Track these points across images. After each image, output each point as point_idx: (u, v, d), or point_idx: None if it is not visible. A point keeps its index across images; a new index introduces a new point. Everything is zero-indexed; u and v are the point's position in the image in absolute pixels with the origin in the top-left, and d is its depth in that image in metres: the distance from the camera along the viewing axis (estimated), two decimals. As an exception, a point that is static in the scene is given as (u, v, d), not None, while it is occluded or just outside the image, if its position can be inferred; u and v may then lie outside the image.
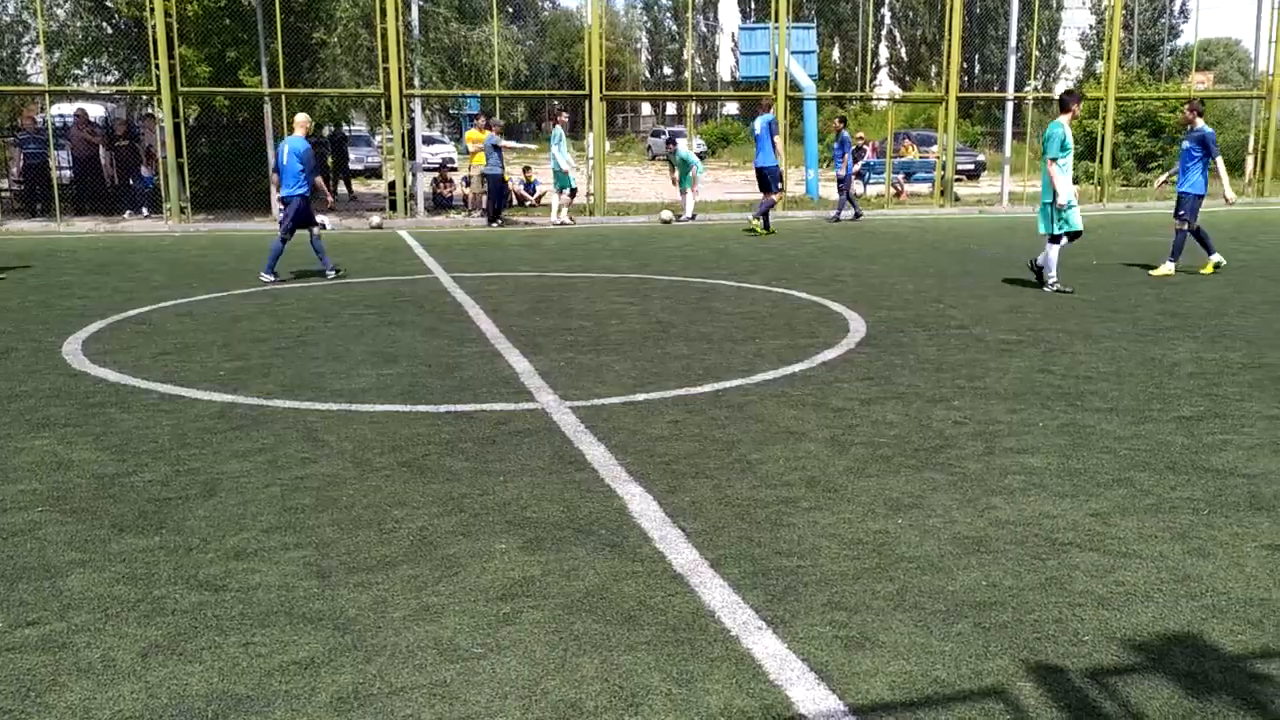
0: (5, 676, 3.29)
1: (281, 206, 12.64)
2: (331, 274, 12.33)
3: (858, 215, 20.24)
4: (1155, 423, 6.07)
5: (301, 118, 12.45)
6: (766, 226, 17.48)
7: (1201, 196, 12.08)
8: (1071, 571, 4.06)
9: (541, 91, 41.89)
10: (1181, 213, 12.05)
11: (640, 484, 5.10)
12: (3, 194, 21.56)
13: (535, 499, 4.91)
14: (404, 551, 4.30)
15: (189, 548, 4.33)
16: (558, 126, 19.59)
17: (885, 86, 55.89)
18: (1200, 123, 12.17)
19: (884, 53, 58.26)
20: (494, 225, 19.16)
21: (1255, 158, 25.62)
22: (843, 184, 20.05)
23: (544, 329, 9.09)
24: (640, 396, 6.77)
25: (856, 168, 20.32)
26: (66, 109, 22.34)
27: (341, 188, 25.77)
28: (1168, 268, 12.10)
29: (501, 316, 9.69)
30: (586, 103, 20.89)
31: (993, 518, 4.63)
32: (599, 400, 6.68)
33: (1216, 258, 12.26)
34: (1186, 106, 12.61)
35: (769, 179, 17.66)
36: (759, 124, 17.89)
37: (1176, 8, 52.47)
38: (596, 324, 9.33)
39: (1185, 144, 12.24)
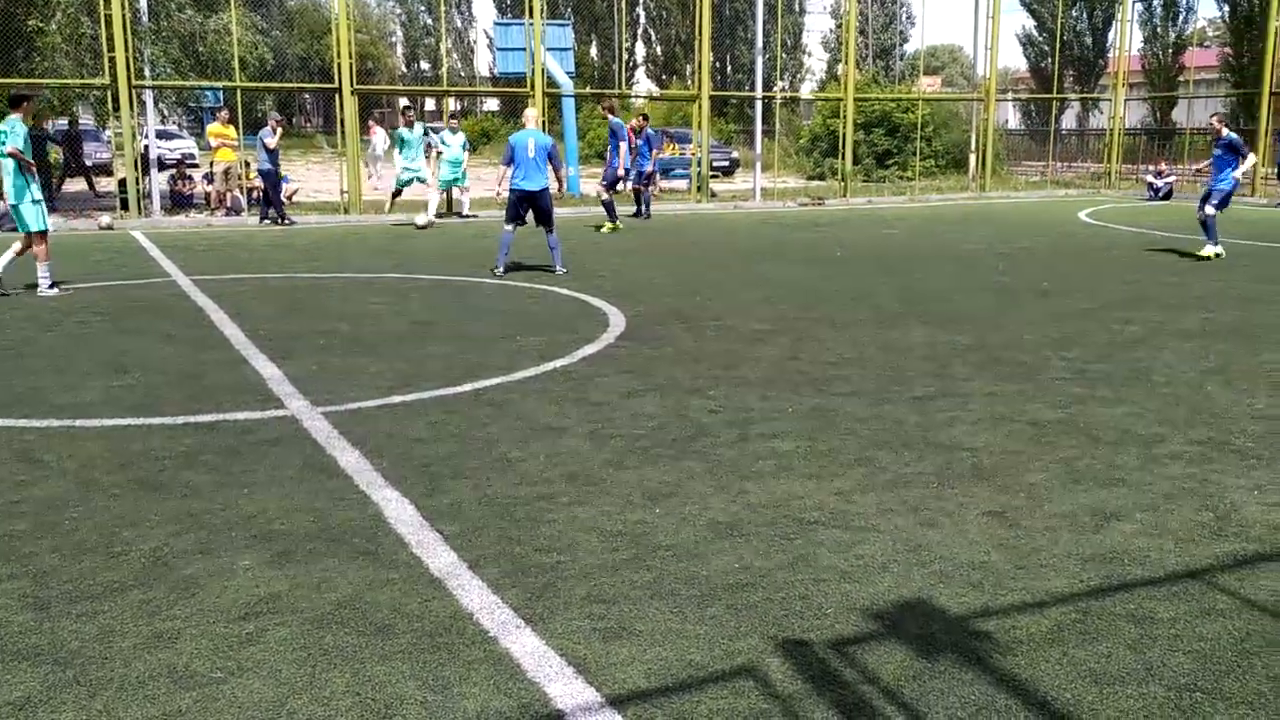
0: None
1: None
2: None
3: (639, 214, 20.03)
4: (893, 404, 6.45)
5: None
6: (613, 219, 17.64)
7: (1233, 191, 13.89)
8: (817, 549, 4.24)
9: (289, 85, 40.15)
10: (1213, 202, 13.69)
11: (397, 488, 4.96)
12: None
13: (283, 510, 4.68)
14: (135, 575, 3.99)
15: (-122, 588, 3.86)
16: (404, 127, 18.93)
17: (643, 84, 57.01)
18: (1226, 131, 13.90)
19: (640, 51, 59.47)
20: (286, 224, 18.31)
21: (977, 156, 27.82)
22: (645, 180, 20.06)
23: (294, 333, 8.70)
24: (397, 399, 6.59)
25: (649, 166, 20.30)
26: None
27: (79, 184, 23.94)
28: (1211, 249, 13.63)
29: (247, 321, 9.20)
30: (337, 97, 20.19)
31: (745, 502, 4.79)
32: (353, 404, 6.45)
33: (1219, 249, 13.67)
34: (1214, 118, 14.50)
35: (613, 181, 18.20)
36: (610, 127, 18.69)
37: (905, 15, 56.17)
38: (351, 326, 9.02)
39: (1216, 151, 13.91)
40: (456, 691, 3.17)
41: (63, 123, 24.70)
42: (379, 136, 29.06)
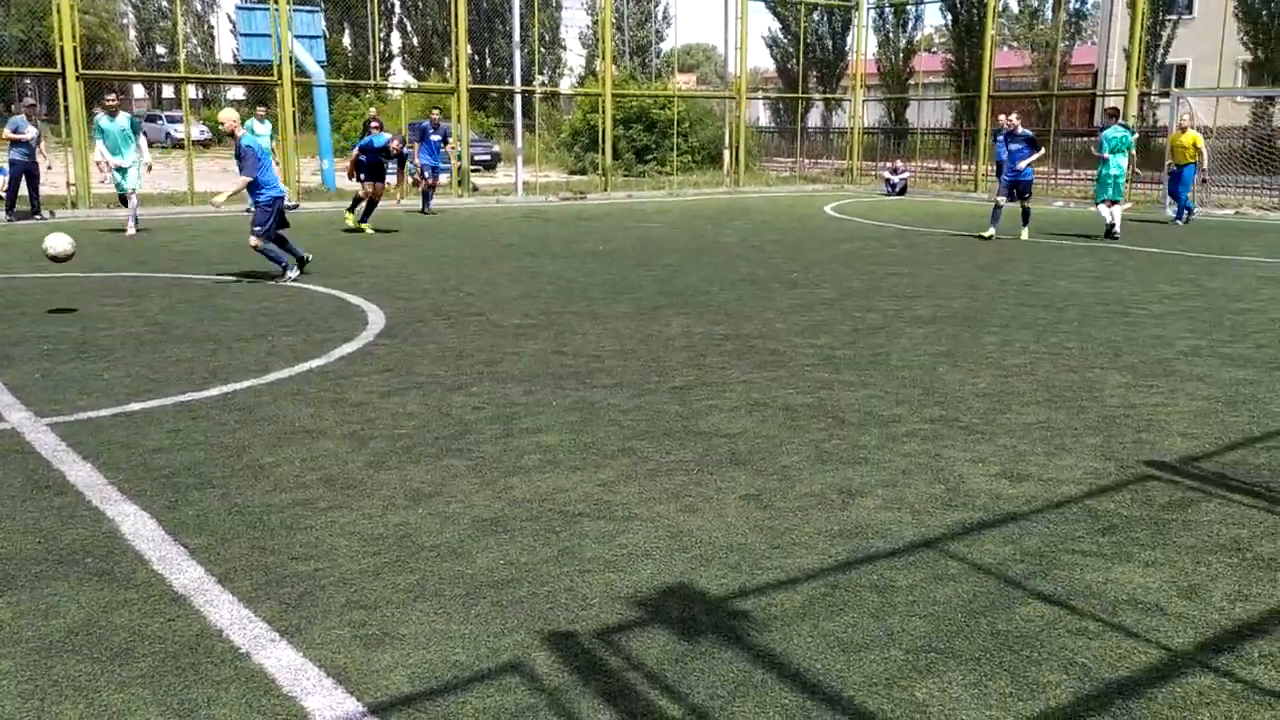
0: None
1: None
2: None
3: (425, 209, 19.45)
4: (654, 394, 6.60)
5: None
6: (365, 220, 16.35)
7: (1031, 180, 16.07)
8: (582, 540, 4.28)
9: (5, 69, 36.71)
10: (1027, 195, 15.90)
11: (135, 502, 4.63)
12: None
13: (4, 533, 4.27)
14: None
15: None
16: (101, 115, 15.64)
17: (399, 76, 55.69)
18: (1021, 128, 15.78)
19: (396, 41, 58.04)
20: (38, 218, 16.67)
21: (731, 152, 28.89)
22: (435, 175, 19.54)
23: (13, 338, 7.97)
24: (135, 406, 6.16)
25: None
26: None
27: None
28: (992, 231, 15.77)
29: (-40, 326, 8.35)
30: (60, 82, 18.64)
31: (510, 497, 4.76)
32: (84, 414, 5.98)
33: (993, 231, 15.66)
34: (1010, 116, 16.09)
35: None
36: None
37: (660, 14, 57.47)
38: (81, 329, 8.35)
39: (1014, 146, 15.61)
40: (204, 714, 3.00)
41: None
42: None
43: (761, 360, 7.56)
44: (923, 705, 3.09)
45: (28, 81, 40.19)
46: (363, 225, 16.21)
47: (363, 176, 16.35)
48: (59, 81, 18.78)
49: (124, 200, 15.72)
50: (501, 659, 3.33)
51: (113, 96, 15.82)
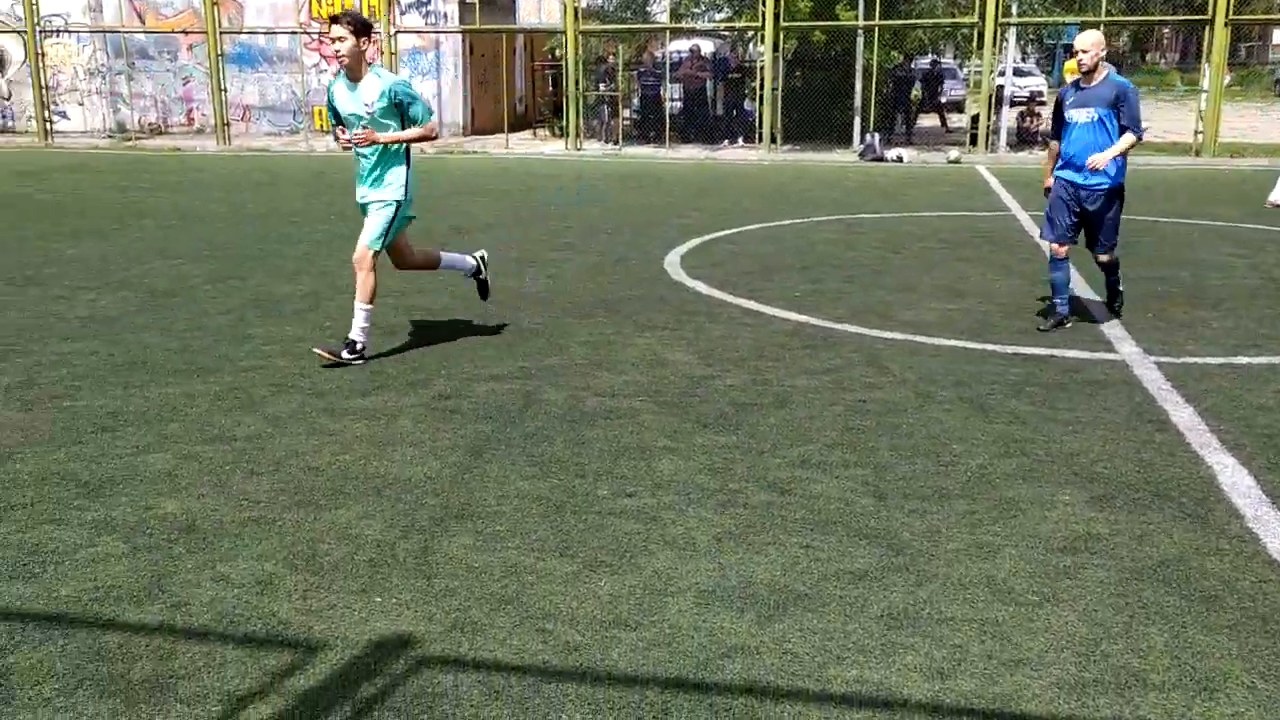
0: (608, 536, 3.83)
1: None
2: None
3: None
4: None
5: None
6: None
7: None
8: None
9: (1151, 19, 37.73)
10: None
11: (1234, 455, 4.55)
12: (624, 122, 24.35)
13: (1106, 454, 4.59)
14: (960, 486, 4.27)
15: (760, 450, 4.67)
16: None
17: None
18: None
19: None
20: None
21: None
22: None
23: (1131, 277, 8.36)
24: (1243, 360, 6.01)
25: None
26: (682, 45, 24.54)
27: (932, 120, 25.61)
28: None
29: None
30: (1208, 29, 18.56)
31: None
32: (1190, 359, 6.04)
33: None
34: None
35: None
36: None
37: None
38: (1194, 276, 8.39)
39: None
40: (1290, 688, 2.86)
41: (925, 61, 26.47)
42: None
43: None
44: None
45: (1165, 30, 40.86)
46: None
47: None
48: (1206, 28, 18.75)
49: None
50: None
51: None
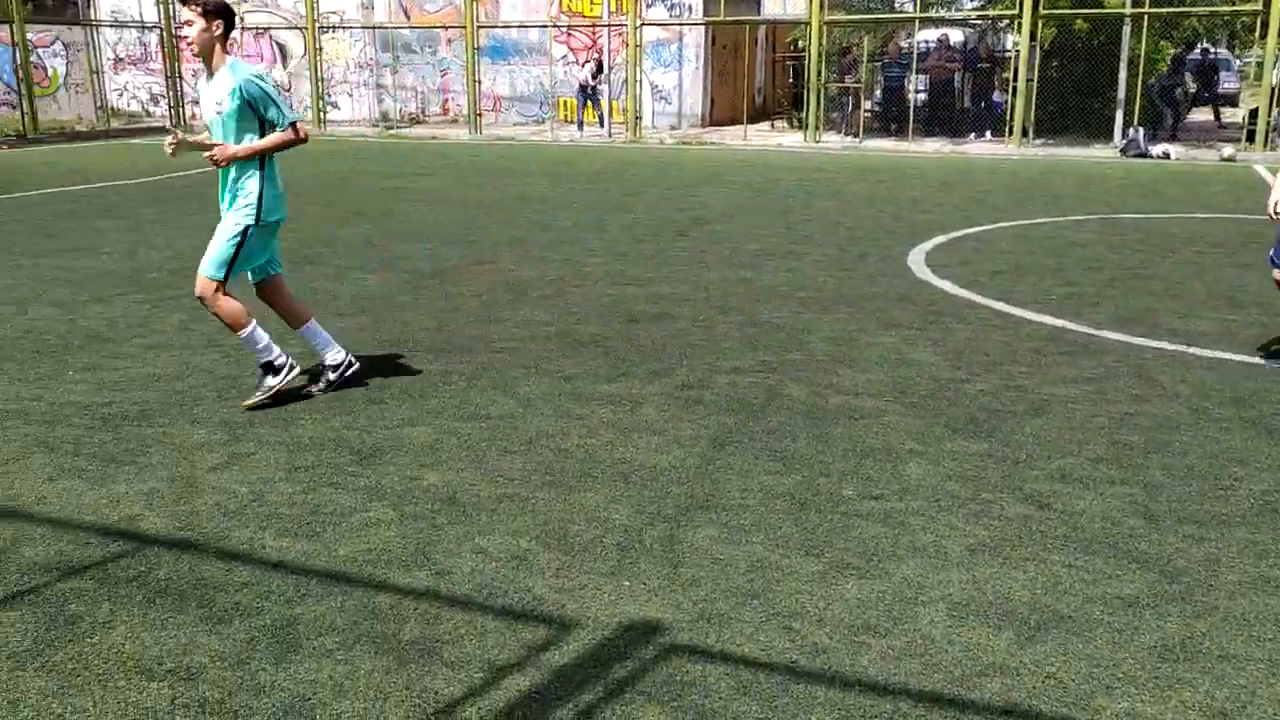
0: (854, 539, 3.75)
1: None
2: None
3: None
4: None
5: None
6: None
7: None
8: None
9: None
10: None
11: None
12: (865, 115, 23.87)
13: None
14: (1242, 513, 3.93)
15: (1016, 460, 4.46)
16: None
17: None
18: None
19: None
20: None
21: None
22: None
23: None
24: None
25: None
26: (930, 35, 23.76)
27: (1205, 114, 23.78)
28: None
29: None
30: None
31: None
32: None
33: None
34: None
35: None
36: None
37: None
38: None
39: None
40: None
41: (1197, 53, 24.58)
42: None
43: None
44: None
45: None
46: None
47: None
48: None
49: None
50: None
51: None
